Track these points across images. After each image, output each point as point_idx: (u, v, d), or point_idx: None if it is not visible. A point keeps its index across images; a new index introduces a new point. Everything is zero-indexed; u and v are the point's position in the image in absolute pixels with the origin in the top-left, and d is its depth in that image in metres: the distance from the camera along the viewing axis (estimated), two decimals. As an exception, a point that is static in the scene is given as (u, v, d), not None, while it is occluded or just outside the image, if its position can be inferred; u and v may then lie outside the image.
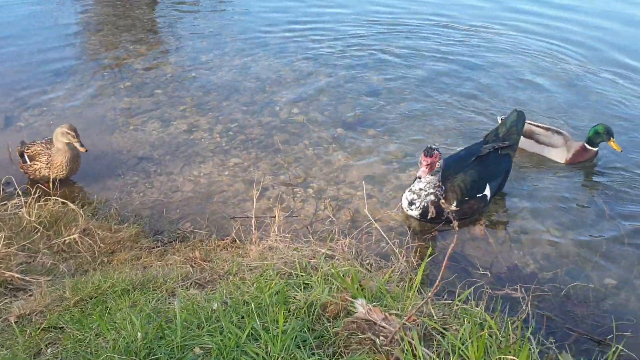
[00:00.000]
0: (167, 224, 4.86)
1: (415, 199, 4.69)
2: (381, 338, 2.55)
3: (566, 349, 3.65)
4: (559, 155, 5.75)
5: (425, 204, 4.64)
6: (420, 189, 4.66)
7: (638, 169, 5.65)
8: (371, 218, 4.39)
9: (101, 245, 4.28)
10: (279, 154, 5.84)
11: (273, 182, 5.44)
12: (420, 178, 4.59)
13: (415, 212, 4.74)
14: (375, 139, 6.16)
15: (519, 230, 4.88)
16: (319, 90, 7.18)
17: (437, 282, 2.63)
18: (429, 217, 4.66)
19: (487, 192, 4.88)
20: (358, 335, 2.61)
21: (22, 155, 5.18)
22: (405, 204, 4.80)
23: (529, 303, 3.15)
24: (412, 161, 5.77)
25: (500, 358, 2.22)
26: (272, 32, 9.02)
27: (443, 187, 4.69)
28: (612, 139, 5.55)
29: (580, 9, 10.42)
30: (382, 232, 4.32)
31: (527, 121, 5.81)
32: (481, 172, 4.88)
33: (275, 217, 4.34)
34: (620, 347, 2.68)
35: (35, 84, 7.18)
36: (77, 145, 4.94)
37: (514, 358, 2.09)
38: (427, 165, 4.45)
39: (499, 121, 5.75)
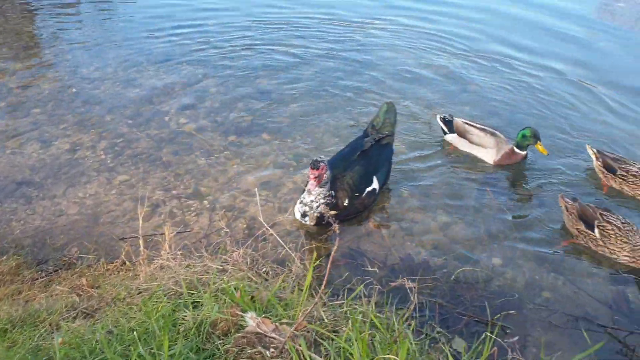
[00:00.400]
0: (52, 252, 4.58)
1: (308, 211, 4.74)
2: (271, 350, 2.55)
3: (458, 334, 3.86)
4: (488, 156, 5.89)
5: (319, 214, 4.69)
6: (312, 201, 4.70)
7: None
8: (266, 225, 4.37)
9: (-24, 282, 3.97)
10: (169, 167, 5.69)
11: (164, 197, 5.29)
12: (310, 191, 4.64)
13: (310, 223, 4.80)
14: (269, 143, 6.15)
15: (410, 221, 5.05)
16: (208, 96, 7.06)
17: (322, 286, 2.66)
18: (324, 222, 4.72)
19: (375, 184, 5.03)
20: (248, 350, 2.59)
21: None
22: (298, 215, 4.85)
23: (416, 293, 3.24)
24: (307, 162, 5.82)
25: (383, 357, 2.28)
26: (156, 39, 8.78)
27: (333, 193, 4.77)
28: (539, 142, 5.61)
29: (458, 4, 10.98)
30: (278, 238, 4.32)
31: (463, 120, 6.01)
32: (366, 166, 5.01)
33: (164, 234, 4.21)
34: (500, 323, 2.83)
35: None
36: None
37: (395, 357, 2.16)
38: (315, 177, 4.50)
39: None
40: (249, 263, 3.96)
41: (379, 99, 7.06)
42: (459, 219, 5.09)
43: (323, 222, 4.73)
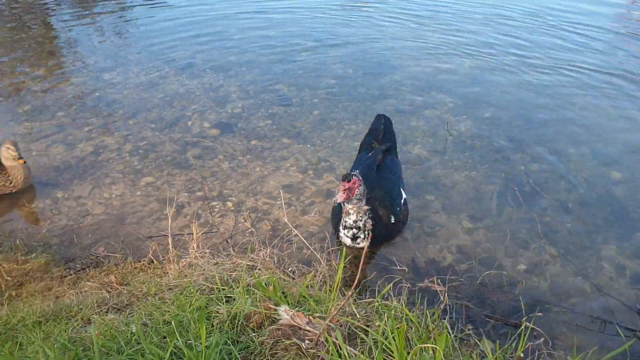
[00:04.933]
0: (79, 250, 4.64)
1: (357, 232, 4.50)
2: (306, 342, 2.56)
3: (485, 336, 3.84)
4: None
5: (369, 232, 4.47)
6: (355, 221, 4.46)
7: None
8: (291, 226, 4.40)
9: (7, 278, 4.02)
10: (194, 170, 5.74)
11: (189, 199, 5.34)
12: (348, 212, 4.47)
13: (364, 243, 4.51)
14: (289, 148, 6.19)
15: (434, 225, 5.06)
16: (229, 101, 7.13)
17: (355, 283, 2.68)
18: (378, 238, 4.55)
19: (404, 193, 5.00)
20: (283, 341, 2.61)
21: None
22: (348, 241, 4.56)
23: (446, 294, 3.27)
24: (327, 166, 5.86)
25: (421, 348, 2.29)
26: (177, 45, 8.90)
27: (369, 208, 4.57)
28: None
29: (479, 8, 11.04)
30: (303, 239, 4.34)
31: None
32: (389, 178, 4.91)
33: (192, 233, 4.25)
34: (530, 325, 2.84)
35: None
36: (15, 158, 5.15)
37: (434, 346, 2.17)
38: (345, 190, 4.27)
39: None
40: (275, 262, 3.99)
41: (398, 104, 7.11)
42: (483, 222, 5.09)
43: (378, 239, 4.54)
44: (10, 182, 5.22)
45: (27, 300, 3.74)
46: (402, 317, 2.75)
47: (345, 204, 4.43)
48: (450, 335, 2.54)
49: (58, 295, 3.80)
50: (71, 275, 4.18)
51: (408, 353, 2.33)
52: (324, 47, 9.01)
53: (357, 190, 4.31)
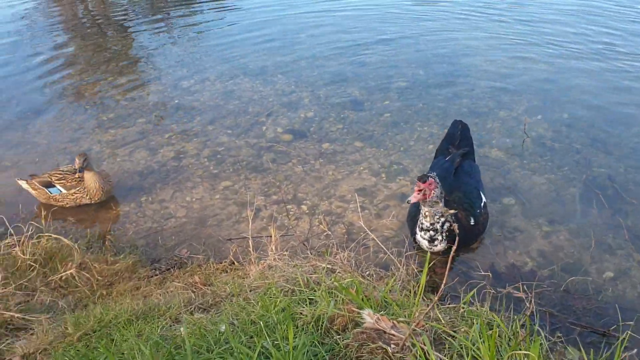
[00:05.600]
0: (164, 252, 4.84)
1: (434, 235, 4.45)
2: (392, 346, 2.56)
3: (571, 344, 3.70)
4: None
5: (447, 233, 4.44)
6: (432, 224, 4.42)
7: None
8: (367, 230, 4.40)
9: (99, 278, 4.24)
10: (269, 174, 5.86)
11: (265, 203, 5.45)
12: (426, 214, 4.42)
13: (441, 246, 4.49)
14: (361, 151, 6.21)
15: (513, 229, 4.93)
16: (301, 106, 7.23)
17: (441, 286, 2.65)
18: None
19: (483, 197, 4.89)
20: (369, 345, 2.62)
21: (48, 185, 5.35)
22: (425, 244, 4.52)
23: (532, 300, 3.17)
24: (400, 169, 5.83)
25: (512, 355, 2.24)
26: (250, 53, 9.10)
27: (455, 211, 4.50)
28: None
29: (555, 7, 10.68)
30: (380, 243, 4.33)
31: None
32: (468, 181, 4.82)
33: (271, 236, 4.34)
34: (629, 332, 2.71)
35: (17, 123, 7.14)
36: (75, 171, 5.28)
37: (527, 352, 2.11)
38: (419, 190, 4.21)
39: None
40: (353, 265, 4.00)
41: (472, 106, 6.98)
42: (565, 227, 4.91)
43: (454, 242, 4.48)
44: (87, 194, 5.33)
45: (117, 299, 3.93)
46: (489, 322, 2.70)
47: (422, 206, 4.40)
48: (543, 341, 2.47)
49: (146, 295, 3.97)
50: (157, 275, 4.36)
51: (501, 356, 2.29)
52: (394, 49, 8.98)
53: (433, 192, 4.26)
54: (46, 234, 4.49)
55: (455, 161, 4.92)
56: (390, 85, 7.69)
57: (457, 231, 2.63)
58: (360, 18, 10.61)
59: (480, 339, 2.40)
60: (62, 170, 5.43)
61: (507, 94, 7.34)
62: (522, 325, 2.99)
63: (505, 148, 6.12)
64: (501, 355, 2.44)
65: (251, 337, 2.81)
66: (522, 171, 5.73)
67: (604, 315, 3.99)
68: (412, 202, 4.33)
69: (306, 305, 3.05)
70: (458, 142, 5.22)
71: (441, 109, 7.00)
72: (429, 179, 4.23)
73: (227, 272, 4.27)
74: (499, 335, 2.59)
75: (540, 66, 8.12)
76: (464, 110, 6.91)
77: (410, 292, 3.40)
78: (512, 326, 2.74)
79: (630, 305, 4.09)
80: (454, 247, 2.59)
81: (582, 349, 3.61)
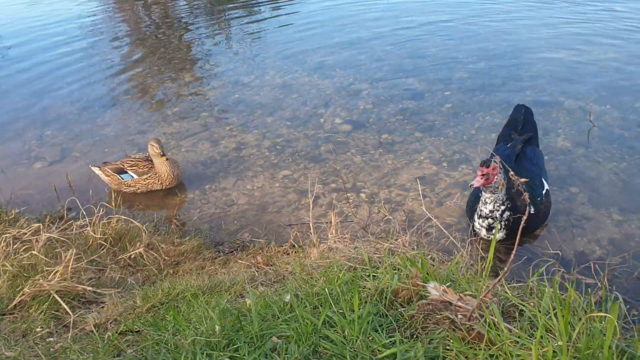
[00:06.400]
0: (227, 235, 4.94)
1: (492, 223, 4.35)
2: (459, 316, 2.52)
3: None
4: None
5: (507, 222, 4.34)
6: (491, 211, 4.31)
7: None
8: (429, 214, 4.34)
9: (165, 257, 4.38)
10: (327, 163, 5.89)
11: (324, 190, 5.48)
12: (485, 201, 4.34)
13: (500, 234, 4.39)
14: (421, 141, 6.15)
15: (581, 217, 4.76)
16: (360, 98, 7.24)
17: (510, 259, 2.59)
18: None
19: (546, 185, 4.74)
20: (435, 315, 2.58)
21: (121, 172, 5.57)
22: (483, 232, 4.44)
23: (605, 281, 3.05)
24: (463, 158, 5.73)
25: (589, 318, 2.17)
26: (308, 48, 9.19)
27: (509, 202, 4.37)
28: None
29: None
30: (442, 228, 4.26)
31: None
32: (530, 169, 4.67)
33: (331, 221, 4.35)
34: None
35: (87, 116, 7.47)
36: (159, 155, 5.44)
37: (607, 315, 2.03)
38: (482, 175, 4.12)
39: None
40: (415, 249, 3.96)
41: (536, 96, 6.80)
42: (637, 215, 4.70)
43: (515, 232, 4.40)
44: (158, 180, 5.55)
45: (183, 277, 4.04)
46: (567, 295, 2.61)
47: (483, 192, 4.30)
48: (622, 306, 2.37)
49: (210, 274, 4.07)
50: (221, 257, 4.46)
51: (572, 329, 2.21)
52: (454, 40, 8.88)
53: (495, 177, 4.15)
54: (116, 216, 4.67)
55: (517, 147, 4.78)
56: (451, 77, 7.59)
57: (523, 220, 2.51)
58: (420, 11, 10.53)
59: (553, 309, 2.32)
60: (134, 157, 5.64)
61: (573, 83, 7.11)
62: (596, 302, 2.88)
63: (570, 137, 5.93)
64: (573, 328, 2.36)
65: (315, 307, 2.83)
66: (589, 160, 5.53)
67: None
68: (475, 186, 4.24)
69: (370, 279, 3.05)
70: (521, 127, 5.08)
71: (504, 99, 6.85)
72: (492, 163, 4.13)
73: (288, 254, 4.31)
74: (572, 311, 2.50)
75: (608, 55, 7.82)
76: (528, 99, 6.73)
77: (476, 272, 3.34)
78: (584, 299, 2.65)
79: None
80: (519, 235, 2.48)
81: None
